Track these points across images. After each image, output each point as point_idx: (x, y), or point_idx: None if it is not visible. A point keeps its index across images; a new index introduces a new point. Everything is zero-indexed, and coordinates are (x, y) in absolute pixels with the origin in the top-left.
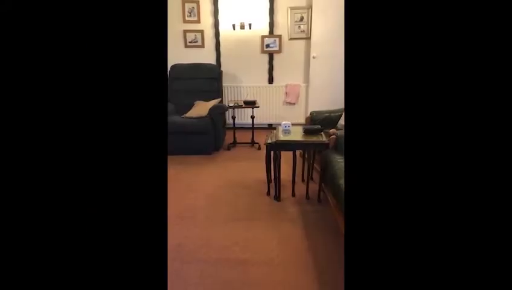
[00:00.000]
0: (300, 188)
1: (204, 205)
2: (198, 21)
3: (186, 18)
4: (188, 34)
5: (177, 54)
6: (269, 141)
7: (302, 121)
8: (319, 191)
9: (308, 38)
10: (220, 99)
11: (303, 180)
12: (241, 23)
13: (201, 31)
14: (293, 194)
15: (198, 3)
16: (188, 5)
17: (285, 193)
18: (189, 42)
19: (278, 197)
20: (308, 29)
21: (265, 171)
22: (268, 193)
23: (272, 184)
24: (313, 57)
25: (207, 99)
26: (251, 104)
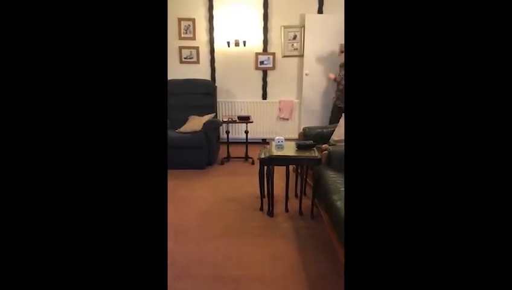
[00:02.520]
0: (294, 203)
1: (197, 220)
2: (193, 38)
3: (182, 35)
4: (183, 51)
5: (172, 70)
6: (262, 156)
7: (295, 136)
8: (312, 206)
9: (301, 55)
10: (214, 114)
11: (296, 195)
12: (235, 41)
13: (197, 48)
14: (286, 210)
15: (194, 21)
16: (184, 23)
17: (279, 208)
18: (185, 58)
19: (271, 213)
20: (301, 47)
21: (258, 186)
22: (261, 208)
23: (265, 199)
24: (306, 74)
25: (201, 114)
26: (245, 119)
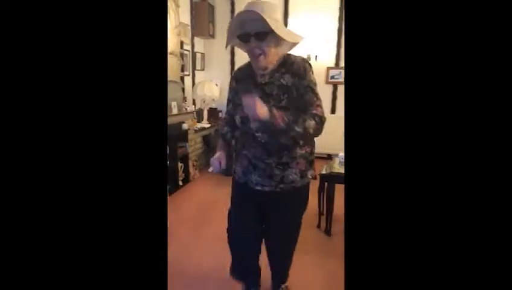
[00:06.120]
0: None
1: None
2: None
3: None
4: None
5: None
6: (323, 172)
7: None
8: None
9: None
10: None
11: None
12: (307, 56)
13: None
14: None
15: None
16: None
17: (337, 227)
18: None
19: (328, 231)
20: None
21: (317, 203)
22: (318, 226)
23: (324, 217)
24: None
25: None
26: None
